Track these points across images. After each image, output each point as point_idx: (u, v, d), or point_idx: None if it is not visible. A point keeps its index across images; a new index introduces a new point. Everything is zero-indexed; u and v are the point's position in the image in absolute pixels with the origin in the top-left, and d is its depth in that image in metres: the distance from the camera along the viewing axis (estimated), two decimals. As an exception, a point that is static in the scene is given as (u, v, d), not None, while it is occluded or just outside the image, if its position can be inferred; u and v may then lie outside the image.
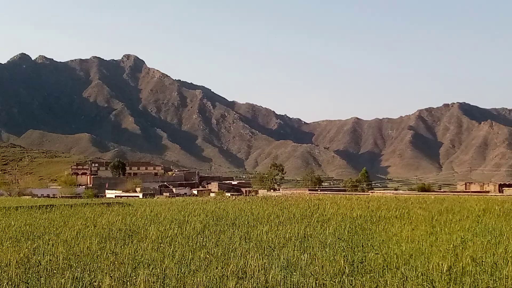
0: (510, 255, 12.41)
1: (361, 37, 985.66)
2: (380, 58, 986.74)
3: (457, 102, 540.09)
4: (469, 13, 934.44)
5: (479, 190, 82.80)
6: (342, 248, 13.84)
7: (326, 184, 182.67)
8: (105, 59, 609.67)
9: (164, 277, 10.43)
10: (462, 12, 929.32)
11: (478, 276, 10.13)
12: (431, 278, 9.90)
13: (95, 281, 10.29)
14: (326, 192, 66.29)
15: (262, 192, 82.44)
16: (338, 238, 15.55)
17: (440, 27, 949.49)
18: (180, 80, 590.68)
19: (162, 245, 15.01)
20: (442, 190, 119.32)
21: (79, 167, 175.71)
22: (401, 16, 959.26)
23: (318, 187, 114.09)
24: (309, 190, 78.90)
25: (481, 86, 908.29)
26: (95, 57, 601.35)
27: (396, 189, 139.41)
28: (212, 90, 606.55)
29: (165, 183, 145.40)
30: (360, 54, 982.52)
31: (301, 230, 17.69)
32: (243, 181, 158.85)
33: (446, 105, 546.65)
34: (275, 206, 31.76)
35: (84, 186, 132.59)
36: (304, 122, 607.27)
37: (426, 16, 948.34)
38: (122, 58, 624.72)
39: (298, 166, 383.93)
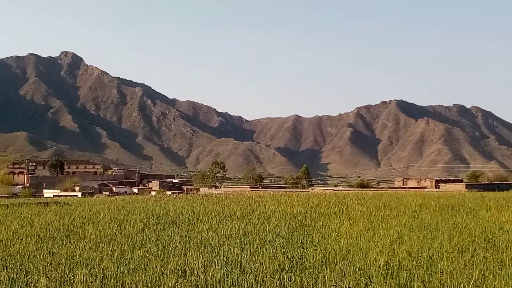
0: (445, 249, 12.73)
1: (301, 34, 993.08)
2: (320, 56, 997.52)
3: (395, 100, 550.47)
4: (405, 9, 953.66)
5: (416, 186, 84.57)
6: (282, 244, 13.92)
7: (267, 181, 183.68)
8: (42, 56, 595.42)
9: (102, 276, 10.28)
10: (398, 8, 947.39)
11: (414, 270, 10.35)
12: (368, 273, 10.06)
13: (31, 282, 10.07)
14: (267, 189, 66.59)
15: (203, 190, 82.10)
16: (278, 235, 15.64)
17: (377, 24, 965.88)
18: (119, 77, 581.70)
19: (101, 244, 14.79)
20: (380, 186, 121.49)
21: (15, 166, 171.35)
22: (340, 13, 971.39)
23: (259, 185, 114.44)
24: (250, 187, 79.07)
25: (418, 84, 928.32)
26: (32, 54, 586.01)
27: (335, 186, 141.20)
28: (152, 88, 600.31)
29: (105, 181, 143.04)
30: (300, 52, 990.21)
31: (241, 228, 17.73)
32: (185, 179, 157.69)
33: (384, 103, 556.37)
34: (216, 204, 31.73)
35: (21, 186, 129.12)
36: (245, 119, 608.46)
37: (364, 12, 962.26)
38: (59, 55, 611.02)
39: (240, 164, 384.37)
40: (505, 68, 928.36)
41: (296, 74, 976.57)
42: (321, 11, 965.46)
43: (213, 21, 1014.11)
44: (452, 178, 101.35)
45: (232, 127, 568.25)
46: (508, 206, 25.97)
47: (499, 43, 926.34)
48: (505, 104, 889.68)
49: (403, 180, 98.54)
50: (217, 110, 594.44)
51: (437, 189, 65.64)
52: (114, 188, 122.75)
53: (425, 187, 77.94)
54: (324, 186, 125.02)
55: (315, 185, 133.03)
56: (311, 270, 10.41)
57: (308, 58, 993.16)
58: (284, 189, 72.17)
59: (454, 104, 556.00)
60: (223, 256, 12.15)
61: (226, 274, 10.21)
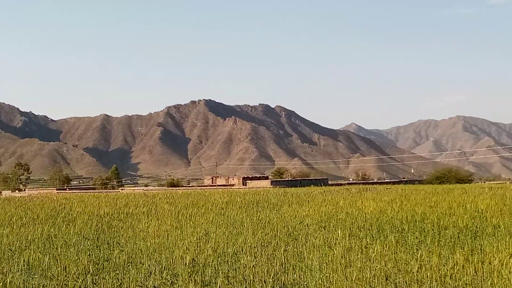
0: (249, 244, 13.10)
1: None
2: (126, 55, 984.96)
3: (203, 99, 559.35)
4: (211, 12, 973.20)
5: (224, 183, 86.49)
6: (88, 247, 13.52)
7: (75, 182, 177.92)
8: None
9: None
10: (205, 11, 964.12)
11: (218, 266, 10.53)
12: (174, 272, 10.08)
13: None
14: (74, 191, 64.36)
15: (5, 194, 77.38)
16: (83, 237, 15.15)
17: (164, 24, 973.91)
18: None
19: None
20: (190, 185, 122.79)
21: None
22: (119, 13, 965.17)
23: (66, 186, 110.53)
24: (57, 189, 75.91)
25: (225, 84, 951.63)
26: None
27: (146, 186, 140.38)
28: None
29: None
30: (103, 52, 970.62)
31: (44, 231, 16.93)
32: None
33: (193, 102, 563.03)
34: (19, 207, 30.02)
35: None
36: (51, 119, 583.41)
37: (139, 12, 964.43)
38: None
39: (46, 165, 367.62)
40: (305, 68, 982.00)
41: (104, 73, 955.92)
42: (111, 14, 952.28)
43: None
44: (258, 175, 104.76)
45: (37, 127, 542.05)
46: (308, 201, 27.41)
47: (298, 46, 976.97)
48: (307, 103, 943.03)
49: (212, 178, 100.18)
50: (20, 109, 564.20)
51: (244, 186, 67.53)
52: None
53: (233, 185, 79.84)
54: (134, 186, 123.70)
55: (125, 186, 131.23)
56: (117, 272, 10.21)
57: (109, 56, 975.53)
58: (92, 190, 70.17)
59: (259, 104, 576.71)
60: (24, 262, 11.51)
61: (26, 280, 9.69)
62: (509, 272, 9.03)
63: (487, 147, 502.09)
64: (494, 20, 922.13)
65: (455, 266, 9.60)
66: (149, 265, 10.67)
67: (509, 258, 9.97)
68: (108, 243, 13.96)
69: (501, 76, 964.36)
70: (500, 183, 78.01)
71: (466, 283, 8.32)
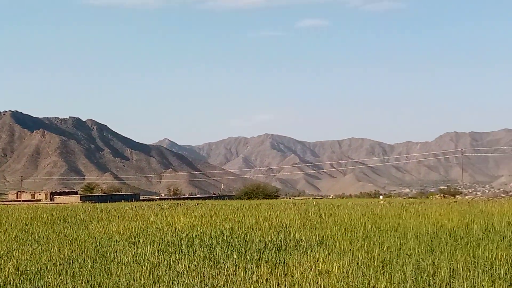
0: (54, 262, 12.58)
1: None
2: None
3: (9, 110, 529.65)
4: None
5: (31, 198, 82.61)
6: None
7: None
8: None
9: None
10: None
11: (20, 285, 10.01)
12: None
13: None
14: None
15: None
16: None
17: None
18: None
19: None
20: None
21: None
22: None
23: None
24: None
25: (33, 95, 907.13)
26: None
27: None
28: None
29: None
30: None
31: None
32: None
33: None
34: None
35: None
36: None
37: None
38: None
39: None
40: (117, 81, 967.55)
41: None
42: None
43: None
44: (67, 190, 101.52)
45: None
46: (118, 216, 26.95)
47: (111, 58, 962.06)
48: (119, 117, 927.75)
49: (17, 193, 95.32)
50: None
51: (51, 202, 65.05)
52: None
53: (40, 200, 76.59)
54: None
55: None
56: None
57: None
58: None
59: (70, 117, 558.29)
60: None
61: None
62: (309, 284, 9.53)
63: (293, 164, 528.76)
64: (301, 43, 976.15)
65: (259, 279, 9.93)
66: None
67: (310, 271, 10.52)
68: None
69: (306, 97, 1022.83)
70: (303, 198, 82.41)
71: (269, 296, 8.63)
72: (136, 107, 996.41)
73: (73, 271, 11.27)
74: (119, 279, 10.32)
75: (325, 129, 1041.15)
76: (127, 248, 14.74)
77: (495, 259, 11.34)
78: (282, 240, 15.64)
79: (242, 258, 12.47)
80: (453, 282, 9.30)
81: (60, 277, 10.64)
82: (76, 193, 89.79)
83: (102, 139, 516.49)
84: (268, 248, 13.99)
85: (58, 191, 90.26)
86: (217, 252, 13.37)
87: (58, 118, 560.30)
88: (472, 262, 10.97)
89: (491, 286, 8.94)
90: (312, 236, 16.41)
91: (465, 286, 8.91)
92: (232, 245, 14.58)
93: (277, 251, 13.46)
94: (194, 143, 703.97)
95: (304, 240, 15.54)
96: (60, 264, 12.23)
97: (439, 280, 9.47)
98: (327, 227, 18.93)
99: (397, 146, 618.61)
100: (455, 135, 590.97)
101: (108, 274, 10.92)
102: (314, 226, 19.52)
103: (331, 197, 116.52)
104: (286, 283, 9.72)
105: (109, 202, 59.67)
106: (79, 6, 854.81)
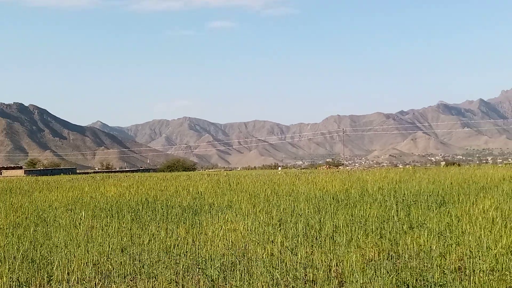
0: (1, 226, 12.27)
1: None
2: None
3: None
4: None
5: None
6: None
7: None
8: None
9: None
10: None
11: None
12: None
13: None
14: None
15: None
16: None
17: None
18: None
19: None
20: None
21: None
22: None
23: None
24: None
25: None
26: None
27: None
28: None
29: None
30: None
31: None
32: None
33: None
34: None
35: None
36: None
37: None
38: None
39: None
40: (56, 68, 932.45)
41: None
42: None
43: None
44: (13, 165, 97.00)
45: None
46: (57, 187, 26.16)
47: (52, 46, 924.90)
48: (58, 103, 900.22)
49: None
50: None
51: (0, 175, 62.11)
52: None
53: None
54: None
55: None
56: None
57: None
58: None
59: (14, 102, 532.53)
60: None
61: None
62: (220, 240, 9.59)
63: (207, 142, 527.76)
64: (212, 41, 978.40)
65: (178, 238, 9.91)
66: None
67: (220, 230, 10.59)
68: None
69: (217, 86, 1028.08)
70: (216, 170, 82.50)
71: (187, 251, 8.63)
72: (73, 94, 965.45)
73: (18, 234, 11.03)
74: (58, 240, 10.09)
75: (233, 113, 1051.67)
76: (65, 214, 14.42)
77: (368, 216, 11.81)
78: (197, 205, 15.65)
79: (164, 220, 12.42)
80: (335, 235, 9.61)
81: (7, 239, 10.39)
82: (20, 168, 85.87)
83: (43, 121, 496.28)
84: (186, 212, 13.98)
85: (5, 166, 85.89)
86: (143, 216, 13.27)
87: (3, 103, 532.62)
88: (350, 220, 11.38)
89: (366, 238, 9.30)
90: (223, 201, 16.51)
91: (344, 239, 9.23)
92: (155, 210, 14.47)
93: (193, 214, 13.48)
94: (123, 124, 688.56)
95: (216, 204, 15.62)
96: (6, 228, 11.98)
97: (324, 234, 9.77)
98: (235, 193, 19.07)
99: (292, 126, 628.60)
100: (338, 118, 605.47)
101: (49, 236, 10.70)
102: (224, 193, 19.62)
103: (239, 169, 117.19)
104: (201, 239, 9.75)
105: (50, 175, 57.65)
106: (22, 8, 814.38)
